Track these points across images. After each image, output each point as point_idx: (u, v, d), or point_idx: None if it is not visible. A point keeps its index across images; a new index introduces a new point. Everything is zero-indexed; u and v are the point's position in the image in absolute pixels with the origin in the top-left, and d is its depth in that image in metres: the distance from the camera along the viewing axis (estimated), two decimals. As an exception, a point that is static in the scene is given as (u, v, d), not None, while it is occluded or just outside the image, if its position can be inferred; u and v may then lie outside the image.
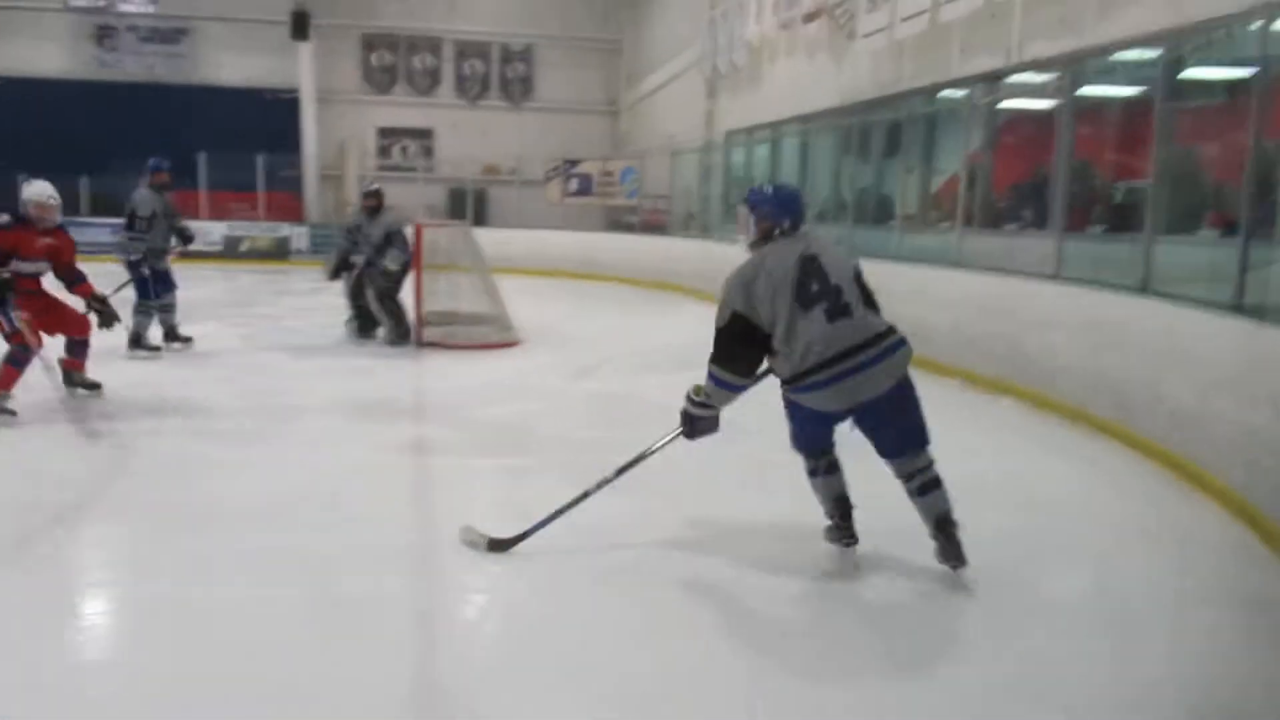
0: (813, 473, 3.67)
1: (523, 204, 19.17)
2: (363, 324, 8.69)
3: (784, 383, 3.42)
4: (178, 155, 18.01)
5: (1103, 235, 6.59)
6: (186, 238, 7.96)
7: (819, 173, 11.19)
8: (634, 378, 7.46)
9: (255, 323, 10.03)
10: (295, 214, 19.43)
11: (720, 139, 14.27)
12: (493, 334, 8.67)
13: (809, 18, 10.86)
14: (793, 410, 3.55)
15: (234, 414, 5.82)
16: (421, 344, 8.35)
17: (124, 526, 3.94)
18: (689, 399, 3.59)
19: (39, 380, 5.46)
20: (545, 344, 8.71)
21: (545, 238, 17.34)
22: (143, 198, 7.54)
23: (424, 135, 20.77)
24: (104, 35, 19.48)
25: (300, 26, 18.48)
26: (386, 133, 20.74)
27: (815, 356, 3.25)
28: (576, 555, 3.65)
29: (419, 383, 7.32)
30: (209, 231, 18.43)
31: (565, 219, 18.34)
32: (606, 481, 3.67)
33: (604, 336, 9.49)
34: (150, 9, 18.23)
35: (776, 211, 3.53)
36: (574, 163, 18.79)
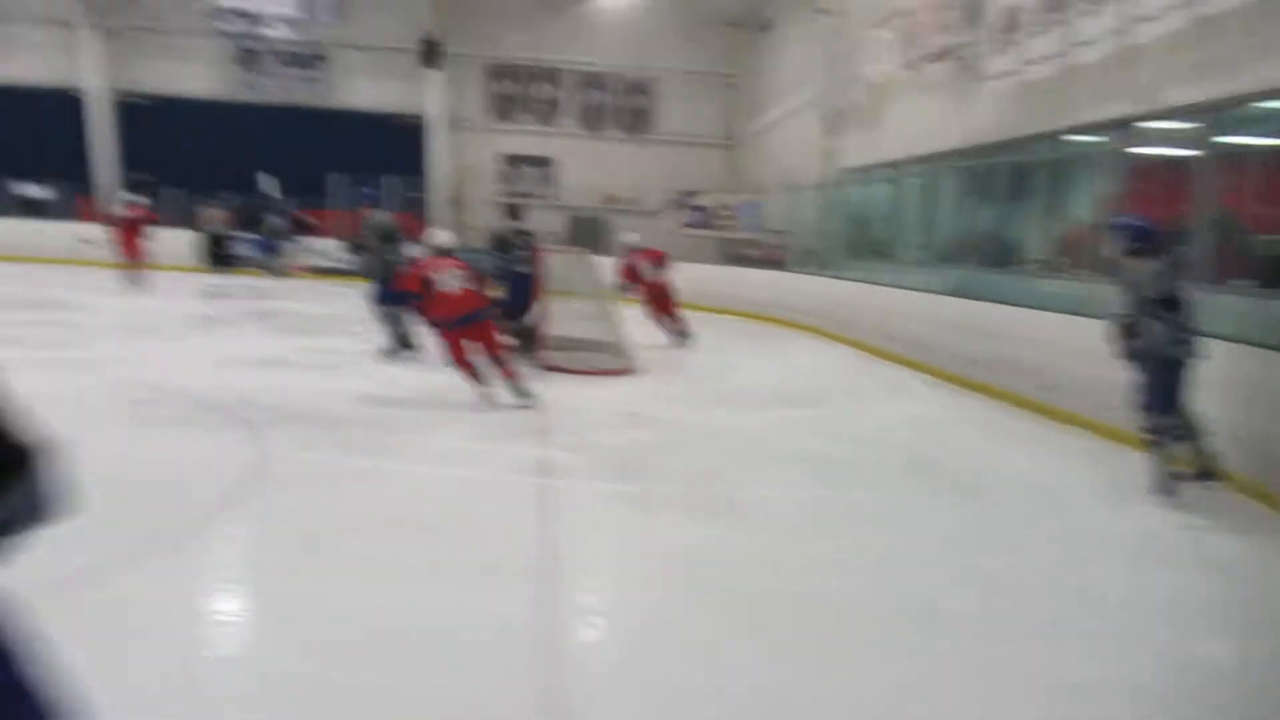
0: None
1: (640, 233, 19.37)
2: None
3: None
4: (310, 175, 19.03)
5: (1249, 288, 6.36)
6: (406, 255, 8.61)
7: (941, 214, 11.09)
8: (748, 413, 7.50)
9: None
10: (419, 236, 20.04)
11: (838, 176, 14.25)
12: (611, 361, 8.83)
13: (934, 58, 10.80)
14: None
15: (367, 426, 6.08)
16: (545, 368, 8.55)
17: (267, 529, 4.17)
18: None
19: (182, 385, 5.80)
20: (661, 374, 8.82)
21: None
22: (388, 220, 8.52)
23: (545, 163, 21.27)
24: (248, 59, 20.56)
25: (430, 55, 19.22)
26: (509, 159, 21.31)
27: None
28: (697, 583, 3.72)
29: (542, 405, 7.50)
30: (332, 250, 19.19)
31: (682, 251, 18.48)
32: None
33: (719, 369, 9.53)
34: (292, 34, 19.17)
35: None
36: (691, 194, 18.98)
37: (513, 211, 9.89)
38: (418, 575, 3.64)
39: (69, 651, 2.79)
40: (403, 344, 8.63)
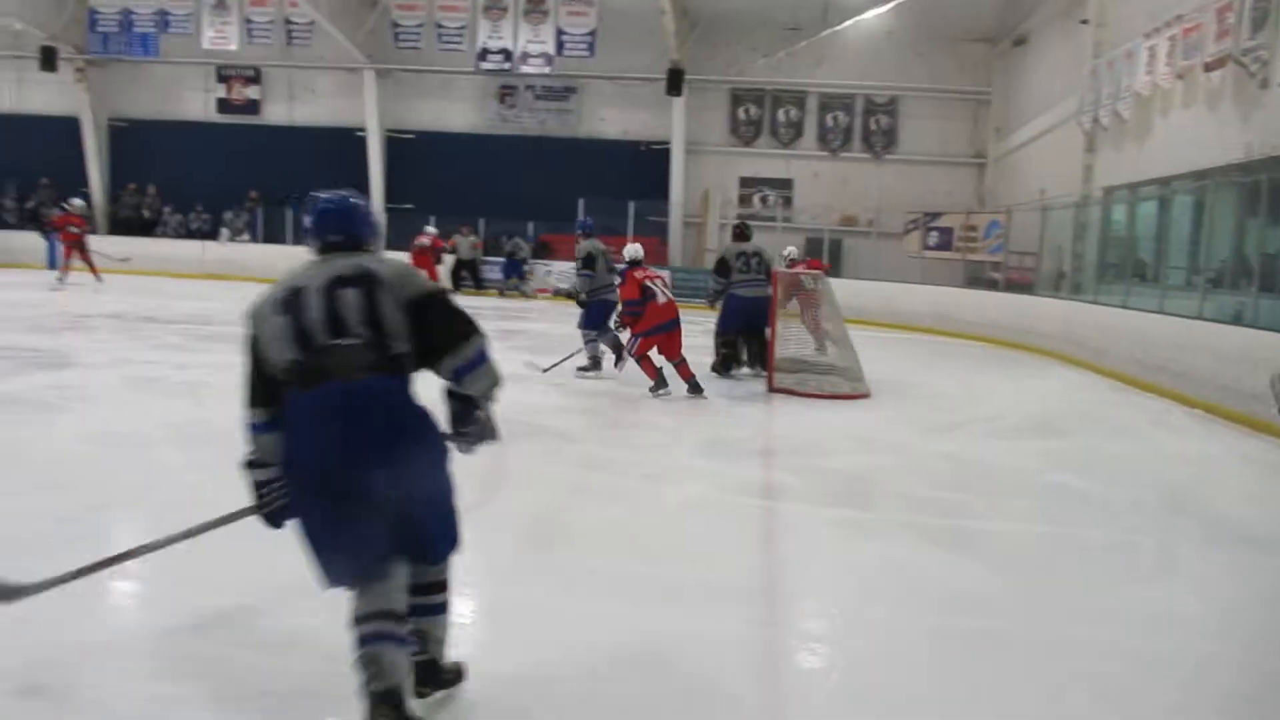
0: None
1: (878, 255, 19.03)
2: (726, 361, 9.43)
3: None
4: (560, 201, 19.98)
5: None
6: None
7: (1216, 234, 10.11)
8: (987, 440, 7.13)
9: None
10: (660, 258, 20.58)
11: (1099, 194, 13.34)
12: (843, 384, 8.65)
13: (1211, 65, 9.91)
14: None
15: (595, 441, 6.27)
16: (772, 389, 8.52)
17: (494, 536, 4.36)
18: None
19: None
20: (895, 398, 8.55)
21: (900, 290, 17.06)
22: (592, 246, 9.00)
23: (784, 185, 21.23)
24: (506, 94, 21.87)
25: (675, 83, 19.67)
26: (748, 182, 21.43)
27: None
28: (923, 615, 3.56)
29: (768, 427, 7.48)
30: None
31: (922, 272, 17.95)
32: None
33: (957, 395, 9.15)
34: (546, 69, 20.19)
35: None
36: (935, 215, 18.38)
37: (741, 232, 9.91)
38: (638, 591, 3.69)
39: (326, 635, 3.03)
40: (600, 362, 9.06)
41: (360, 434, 2.39)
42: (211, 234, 21.57)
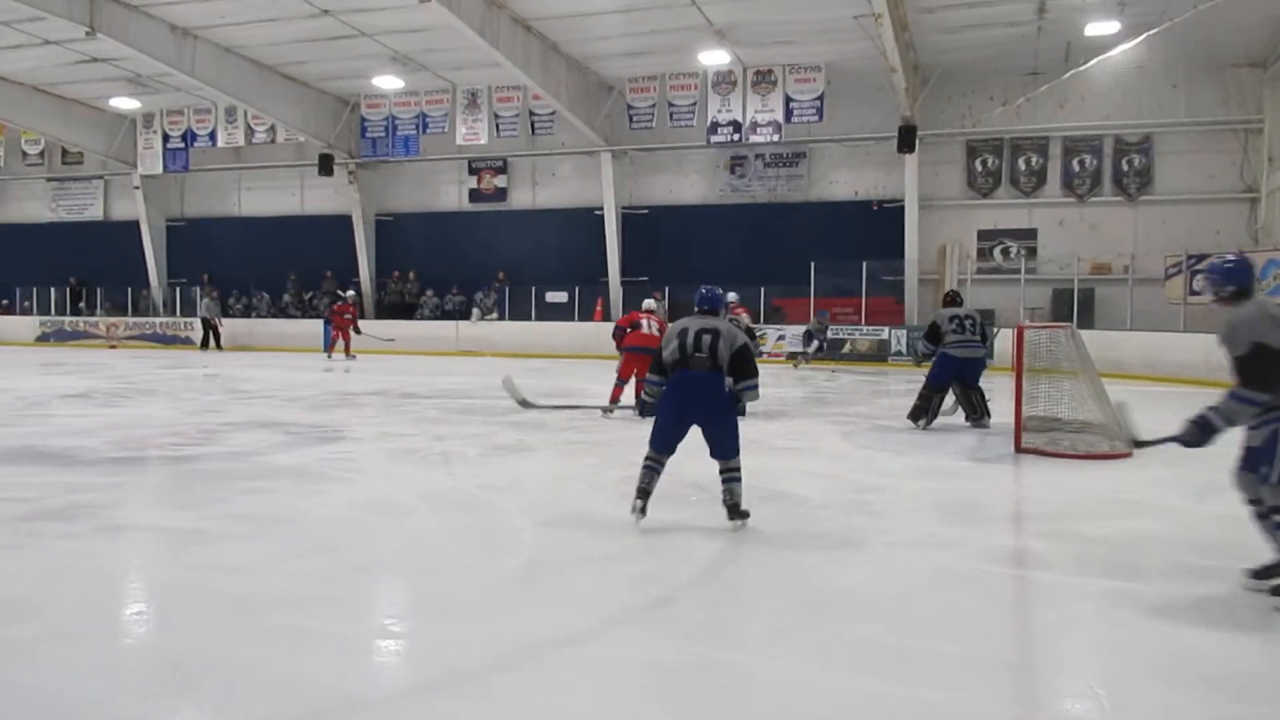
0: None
1: (1136, 304, 17.71)
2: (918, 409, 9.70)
3: None
4: (793, 264, 20.05)
5: None
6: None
7: None
8: (1277, 503, 6.39)
9: (854, 421, 10.52)
10: (896, 317, 20.11)
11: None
12: (1100, 442, 8.06)
13: None
14: None
15: (833, 507, 6.15)
16: (1020, 450, 8.07)
17: (741, 601, 4.34)
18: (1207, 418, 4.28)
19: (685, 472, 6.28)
20: (1161, 457, 7.80)
21: (1162, 340, 15.78)
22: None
23: (1027, 235, 20.27)
24: (736, 164, 22.28)
25: (907, 140, 19.34)
26: (986, 235, 20.63)
27: None
28: (1210, 706, 3.22)
29: (1017, 491, 7.08)
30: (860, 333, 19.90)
31: (1188, 320, 16.53)
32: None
33: (1232, 452, 8.25)
34: (775, 137, 20.42)
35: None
36: (1200, 257, 16.93)
37: (952, 299, 10.12)
38: (887, 663, 3.54)
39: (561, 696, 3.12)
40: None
41: (697, 395, 5.37)
42: (464, 314, 23.16)
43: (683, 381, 5.34)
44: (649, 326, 10.33)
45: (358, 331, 19.69)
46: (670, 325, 5.60)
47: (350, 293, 21.05)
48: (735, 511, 5.36)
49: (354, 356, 19.45)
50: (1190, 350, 15.02)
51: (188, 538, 5.27)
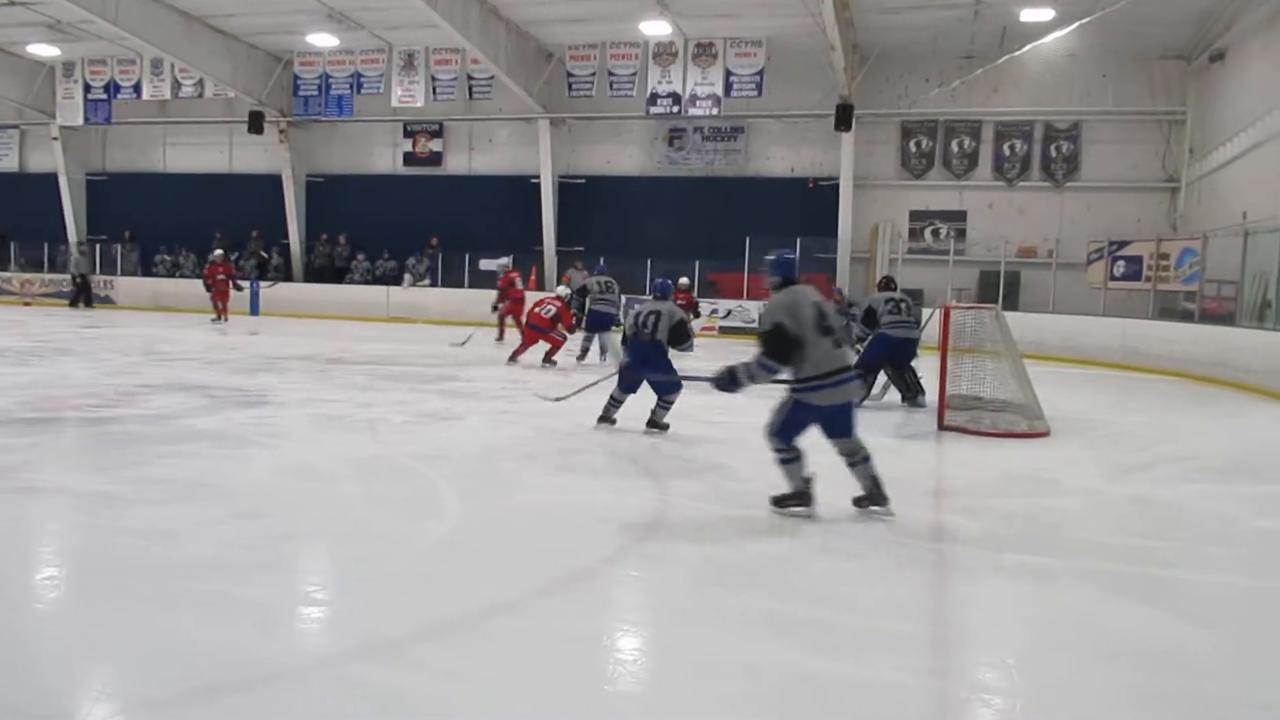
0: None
1: (1059, 288, 18.18)
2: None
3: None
4: (729, 239, 20.11)
5: None
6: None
7: None
8: (1181, 483, 6.65)
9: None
10: (826, 295, 20.29)
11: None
12: (1020, 422, 8.29)
13: None
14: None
15: (758, 480, 6.21)
16: (943, 428, 8.25)
17: (662, 574, 4.38)
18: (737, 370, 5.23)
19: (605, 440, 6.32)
20: (1077, 437, 8.11)
21: (1083, 323, 16.23)
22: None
23: (957, 217, 20.62)
24: (675, 137, 22.23)
25: (844, 118, 19.45)
26: (918, 215, 20.91)
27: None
28: (1103, 669, 3.35)
29: (938, 467, 7.24)
30: (747, 309, 20.03)
31: (1108, 305, 17.02)
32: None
33: (1146, 434, 8.58)
34: (715, 111, 20.40)
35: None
36: (1121, 244, 17.42)
37: (887, 284, 10.41)
38: (803, 635, 3.61)
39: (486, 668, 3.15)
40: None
41: (643, 356, 7.60)
42: (396, 279, 22.81)
43: (635, 348, 7.67)
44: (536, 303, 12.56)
45: (238, 289, 19.97)
46: (633, 309, 7.82)
47: (219, 252, 20.58)
48: (655, 425, 7.57)
49: (226, 319, 19.12)
50: (1109, 334, 15.50)
51: (104, 501, 5.14)
